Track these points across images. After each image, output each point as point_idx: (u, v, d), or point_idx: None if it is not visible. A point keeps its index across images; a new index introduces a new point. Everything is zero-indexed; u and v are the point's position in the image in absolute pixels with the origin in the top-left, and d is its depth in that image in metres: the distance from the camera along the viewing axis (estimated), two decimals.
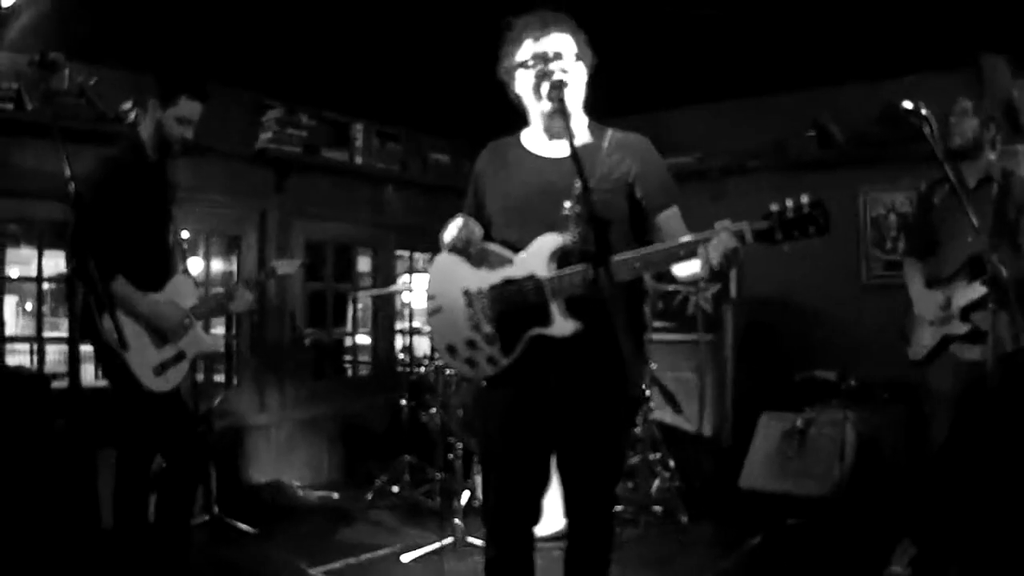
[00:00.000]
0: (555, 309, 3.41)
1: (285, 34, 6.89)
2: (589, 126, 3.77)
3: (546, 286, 3.42)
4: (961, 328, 5.21)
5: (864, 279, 8.47)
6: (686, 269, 3.52)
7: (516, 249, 3.57)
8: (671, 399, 7.93)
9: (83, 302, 4.60)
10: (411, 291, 8.95)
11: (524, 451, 3.65)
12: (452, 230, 3.67)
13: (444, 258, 3.76)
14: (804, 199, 3.07)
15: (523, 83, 3.70)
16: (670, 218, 3.68)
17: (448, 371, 7.28)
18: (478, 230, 3.66)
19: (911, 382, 6.41)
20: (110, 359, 4.85)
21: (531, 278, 3.46)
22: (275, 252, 8.30)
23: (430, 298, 3.79)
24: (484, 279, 3.60)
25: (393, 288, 8.74)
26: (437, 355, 6.84)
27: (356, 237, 9.69)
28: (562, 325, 3.39)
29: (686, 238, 3.31)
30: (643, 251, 3.36)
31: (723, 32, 7.05)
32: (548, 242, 3.47)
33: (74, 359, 4.22)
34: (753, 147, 8.66)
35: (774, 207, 3.11)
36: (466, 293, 3.64)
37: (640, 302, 3.79)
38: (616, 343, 2.85)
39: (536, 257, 3.48)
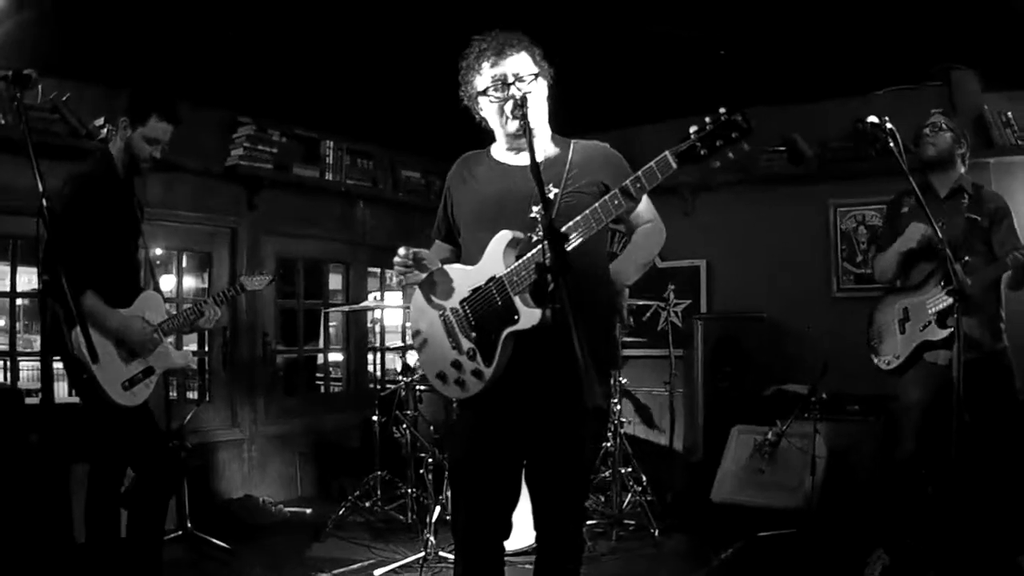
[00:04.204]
0: (519, 302, 3.43)
1: (256, 52, 6.90)
2: (553, 139, 3.83)
3: (506, 281, 3.46)
4: (940, 333, 5.29)
5: (835, 292, 8.55)
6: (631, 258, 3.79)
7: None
8: (644, 412, 7.97)
9: (52, 317, 4.60)
10: (382, 307, 8.93)
11: (492, 465, 3.67)
12: (396, 264, 3.68)
13: (417, 293, 3.80)
14: (721, 109, 3.15)
15: (487, 109, 3.77)
16: (640, 209, 3.80)
17: (419, 387, 7.32)
18: (424, 251, 3.70)
19: (882, 394, 6.48)
20: (78, 374, 4.86)
21: (492, 279, 3.51)
22: (246, 269, 8.23)
23: (415, 333, 3.84)
24: (455, 298, 3.64)
25: (364, 304, 8.70)
26: (425, 382, 6.82)
27: (327, 254, 9.68)
28: (529, 315, 3.40)
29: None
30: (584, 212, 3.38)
31: (691, 49, 7.10)
32: (500, 240, 3.52)
33: (46, 374, 4.22)
34: (724, 163, 8.68)
35: (692, 127, 3.18)
36: (442, 316, 3.68)
37: (607, 314, 3.79)
38: (574, 352, 2.80)
39: (492, 259, 3.53)
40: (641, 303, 8.24)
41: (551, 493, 3.69)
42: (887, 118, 4.72)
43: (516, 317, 3.42)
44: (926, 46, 7.05)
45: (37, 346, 7.81)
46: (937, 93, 7.75)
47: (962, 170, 5.64)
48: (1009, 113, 7.50)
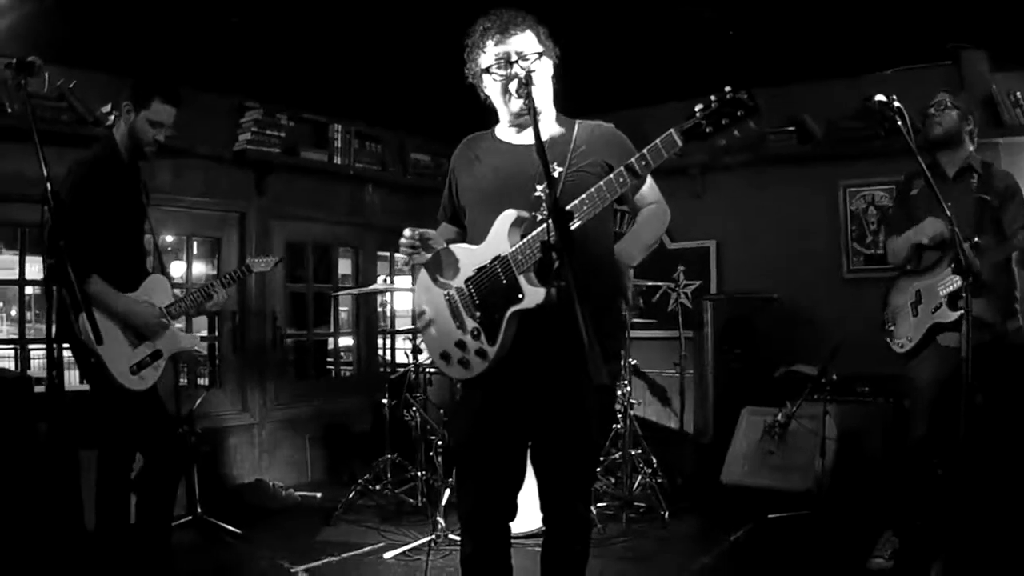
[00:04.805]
0: (523, 281, 3.42)
1: (264, 36, 6.89)
2: (557, 118, 3.82)
3: (511, 260, 3.45)
4: (950, 315, 5.25)
5: (845, 273, 8.49)
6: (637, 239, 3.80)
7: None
8: (655, 393, 7.98)
9: (59, 303, 4.61)
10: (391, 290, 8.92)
11: (497, 446, 3.67)
12: (402, 245, 3.69)
13: (422, 273, 3.81)
14: (727, 87, 3.15)
15: (491, 87, 3.76)
16: (644, 191, 3.84)
17: (429, 370, 7.33)
18: (430, 231, 3.71)
19: (892, 376, 6.44)
20: (86, 359, 4.89)
21: (496, 258, 3.50)
22: (255, 253, 8.20)
23: (420, 314, 3.83)
24: (460, 278, 3.64)
25: (374, 287, 8.69)
26: (432, 364, 6.79)
27: (337, 238, 9.69)
28: (533, 294, 3.39)
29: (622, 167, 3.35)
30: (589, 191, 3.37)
31: (700, 29, 7.05)
32: (505, 219, 3.50)
33: (52, 361, 4.23)
34: (732, 143, 8.65)
35: (698, 106, 3.18)
36: (446, 296, 3.68)
37: (612, 293, 3.78)
38: (578, 331, 2.78)
39: (497, 238, 3.52)
40: (651, 284, 8.22)
41: (557, 473, 3.69)
42: (895, 97, 4.70)
43: (520, 296, 3.41)
44: (936, 25, 6.98)
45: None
46: (946, 72, 7.70)
47: (971, 148, 5.58)
48: (1019, 93, 7.43)
